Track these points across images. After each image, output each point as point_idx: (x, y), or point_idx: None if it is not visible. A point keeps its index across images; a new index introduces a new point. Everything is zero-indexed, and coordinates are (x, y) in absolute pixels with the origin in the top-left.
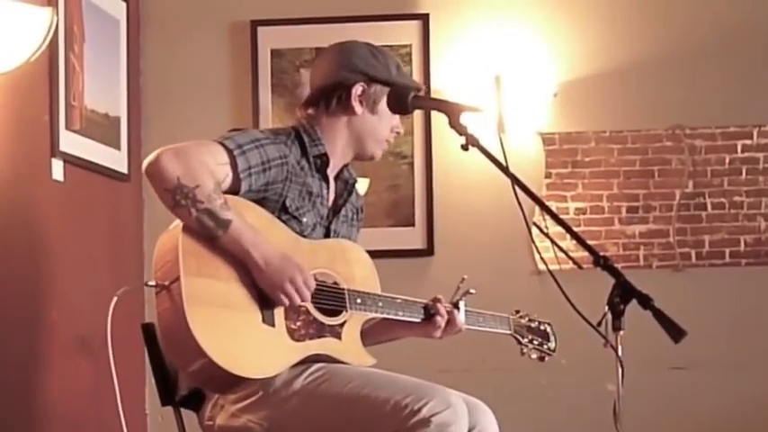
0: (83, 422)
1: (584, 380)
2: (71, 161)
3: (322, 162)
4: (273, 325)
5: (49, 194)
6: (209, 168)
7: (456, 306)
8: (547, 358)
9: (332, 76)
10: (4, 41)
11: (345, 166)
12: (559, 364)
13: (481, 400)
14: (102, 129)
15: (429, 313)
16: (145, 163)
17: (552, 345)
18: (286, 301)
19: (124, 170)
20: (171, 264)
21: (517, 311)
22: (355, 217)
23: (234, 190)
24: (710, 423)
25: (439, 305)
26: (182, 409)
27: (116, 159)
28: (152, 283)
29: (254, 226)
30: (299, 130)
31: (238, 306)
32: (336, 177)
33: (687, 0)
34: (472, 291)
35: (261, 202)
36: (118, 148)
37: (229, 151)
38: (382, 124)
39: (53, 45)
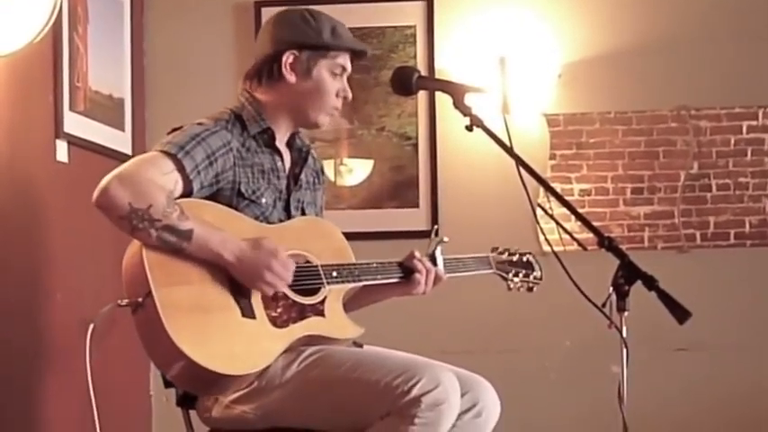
0: (86, 402)
1: (588, 361)
2: (75, 142)
3: (268, 136)
4: (254, 317)
5: (54, 176)
6: (157, 183)
7: (433, 257)
8: (535, 288)
9: (263, 48)
10: (8, 22)
11: (295, 134)
12: (564, 345)
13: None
14: (106, 110)
15: (407, 270)
16: (94, 195)
17: (538, 273)
18: (270, 291)
19: (128, 151)
20: (140, 279)
21: (495, 248)
22: (316, 180)
23: (187, 192)
24: (715, 404)
25: (415, 261)
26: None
27: (120, 140)
28: (125, 302)
29: (217, 220)
30: (237, 112)
31: (215, 306)
32: (289, 146)
33: None
34: (445, 239)
35: (216, 194)
36: (122, 129)
37: (172, 156)
38: (321, 91)
39: (57, 26)
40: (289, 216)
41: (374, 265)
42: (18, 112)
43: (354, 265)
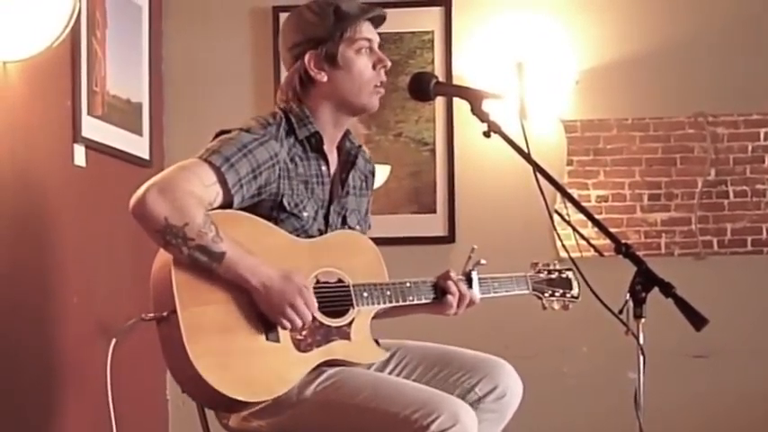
0: (104, 406)
1: (605, 368)
2: (93, 147)
3: (316, 140)
4: (278, 340)
5: (71, 180)
6: (197, 196)
7: (468, 277)
8: (571, 306)
9: (285, 62)
10: (27, 27)
11: (346, 135)
12: (581, 351)
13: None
14: (124, 114)
15: (440, 291)
16: (131, 203)
17: (575, 291)
18: (288, 326)
19: (146, 156)
20: (167, 294)
21: (535, 264)
22: (365, 185)
23: (227, 205)
24: (732, 411)
25: (449, 282)
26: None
27: (138, 145)
28: (149, 316)
29: (250, 236)
30: (287, 113)
31: (240, 328)
32: (339, 150)
33: None
34: (483, 261)
35: (256, 205)
36: (140, 133)
37: (216, 168)
38: (354, 71)
39: (76, 31)
40: (327, 225)
41: (407, 284)
42: (36, 116)
43: (386, 284)
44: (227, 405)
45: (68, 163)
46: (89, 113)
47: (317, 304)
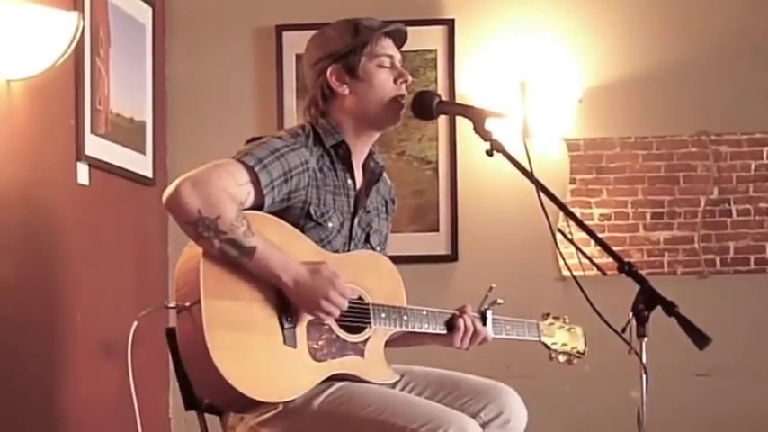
0: (106, 426)
1: (608, 386)
2: (96, 165)
3: (343, 151)
4: (295, 346)
5: (74, 198)
6: (230, 193)
7: (483, 315)
8: (575, 361)
9: (309, 79)
10: (30, 45)
11: (371, 155)
12: (583, 370)
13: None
14: (127, 133)
15: (452, 326)
16: (165, 195)
17: (581, 347)
18: (325, 318)
19: (149, 174)
20: (192, 285)
21: (546, 315)
22: (385, 209)
23: (258, 206)
24: (735, 430)
25: (463, 318)
26: (205, 414)
27: (141, 163)
28: (172, 304)
29: (278, 243)
30: (313, 125)
31: (259, 328)
32: (364, 167)
33: (712, 6)
34: (500, 301)
35: (285, 211)
36: (143, 152)
37: (250, 168)
38: (375, 85)
39: (79, 49)
40: (350, 238)
41: (424, 312)
42: (40, 134)
43: (404, 309)
44: (236, 402)
45: (71, 181)
46: (92, 132)
47: (349, 292)
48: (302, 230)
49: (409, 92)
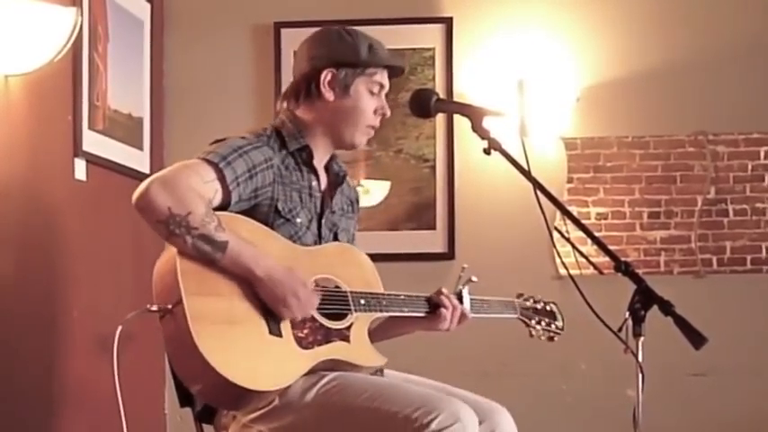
0: (102, 421)
1: (604, 385)
2: (94, 161)
3: (307, 154)
4: (281, 335)
5: (72, 194)
6: (198, 191)
7: (459, 295)
8: (556, 338)
9: (300, 67)
10: (28, 41)
11: (333, 158)
12: (580, 368)
13: (501, 405)
14: (124, 129)
15: (434, 306)
16: (134, 195)
17: (560, 323)
18: (288, 316)
19: (146, 170)
20: (171, 286)
21: (520, 294)
22: (350, 209)
23: (225, 203)
24: (731, 430)
25: (442, 297)
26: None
27: (139, 159)
28: (154, 307)
29: (250, 240)
30: (277, 128)
31: (243, 320)
32: (326, 169)
33: (710, 6)
34: (474, 278)
35: (253, 209)
36: (140, 148)
37: (214, 165)
38: (359, 108)
39: (77, 45)
40: (320, 236)
41: (402, 297)
42: (37, 130)
43: (383, 295)
44: (231, 397)
45: (69, 177)
46: (90, 128)
47: (316, 303)
48: (272, 227)
49: (407, 90)
